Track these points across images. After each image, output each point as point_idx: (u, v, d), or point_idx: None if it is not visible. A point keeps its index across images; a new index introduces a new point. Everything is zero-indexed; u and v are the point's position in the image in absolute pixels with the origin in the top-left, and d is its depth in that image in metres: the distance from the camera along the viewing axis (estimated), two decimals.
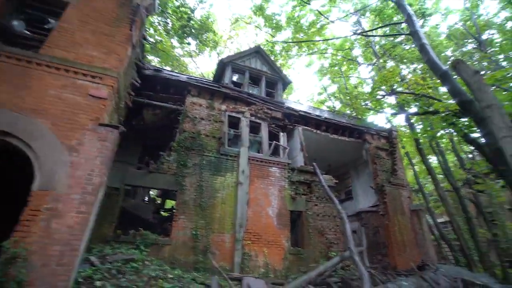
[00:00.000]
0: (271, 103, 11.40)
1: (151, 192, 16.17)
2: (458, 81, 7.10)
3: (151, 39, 18.70)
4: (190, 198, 8.42)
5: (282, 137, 11.18)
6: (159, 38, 18.12)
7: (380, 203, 11.52)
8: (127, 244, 7.14)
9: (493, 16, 23.07)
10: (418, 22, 18.10)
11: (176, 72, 10.78)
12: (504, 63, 16.43)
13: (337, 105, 22.99)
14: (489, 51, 18.14)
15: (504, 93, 8.83)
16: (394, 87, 12.89)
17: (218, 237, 8.28)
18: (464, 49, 20.89)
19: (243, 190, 9.00)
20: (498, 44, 19.08)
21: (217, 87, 10.63)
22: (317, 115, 12.23)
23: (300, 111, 11.90)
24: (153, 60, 20.83)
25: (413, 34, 8.48)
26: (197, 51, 19.65)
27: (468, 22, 20.40)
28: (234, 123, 10.56)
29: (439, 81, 8.07)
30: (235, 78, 13.28)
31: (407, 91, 11.50)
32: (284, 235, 8.99)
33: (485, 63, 16.90)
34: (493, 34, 20.27)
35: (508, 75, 8.63)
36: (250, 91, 11.48)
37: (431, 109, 10.79)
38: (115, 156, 8.04)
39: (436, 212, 20.59)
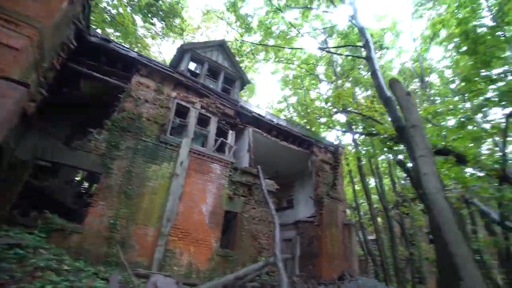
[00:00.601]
0: (225, 99, 11.00)
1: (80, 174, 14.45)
2: (399, 109, 7.54)
3: (113, 10, 17.14)
4: (116, 184, 7.54)
5: (231, 135, 10.81)
6: (121, 11, 16.66)
7: (317, 214, 11.74)
8: (24, 227, 6.03)
9: (437, 62, 25.91)
10: (375, 51, 19.34)
11: (127, 47, 9.81)
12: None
13: (295, 116, 23.49)
14: (429, 92, 20.23)
15: (429, 126, 9.69)
16: (348, 108, 13.48)
17: (140, 230, 7.51)
18: (411, 86, 23.08)
19: (178, 183, 8.36)
20: (437, 88, 21.45)
21: (170, 71, 9.91)
22: (269, 120, 12.14)
23: (254, 112, 11.70)
24: (112, 34, 19.08)
25: (368, 59, 8.83)
26: (161, 35, 18.50)
27: (417, 63, 22.53)
28: (182, 112, 9.91)
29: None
30: (193, 67, 12.63)
31: (356, 111, 12.03)
32: (215, 235, 8.53)
33: (425, 101, 18.68)
34: (434, 78, 22.74)
35: (438, 110, 9.49)
36: (206, 84, 10.95)
37: (374, 131, 11.43)
38: (32, 124, 6.87)
39: (368, 229, 21.97)
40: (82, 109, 10.13)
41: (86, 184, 13.45)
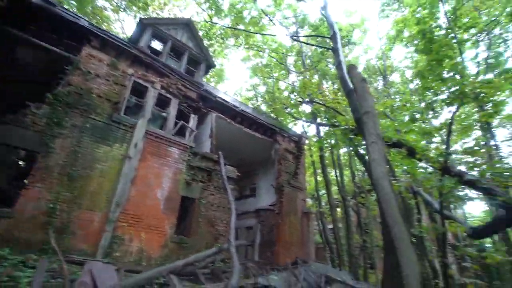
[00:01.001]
0: (188, 80, 10.46)
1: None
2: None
3: None
4: (57, 164, 6.80)
5: (193, 119, 10.36)
6: None
7: (277, 202, 11.85)
8: None
9: (399, 62, 27.29)
10: (343, 46, 19.71)
11: (76, 14, 8.79)
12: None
13: (263, 106, 23.41)
14: (390, 90, 21.29)
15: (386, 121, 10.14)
16: (313, 99, 13.62)
17: (85, 215, 6.91)
18: (375, 83, 24.13)
19: (131, 166, 7.81)
20: (397, 87, 22.65)
21: (127, 45, 9.12)
22: (234, 106, 11.85)
23: (218, 97, 11.32)
24: (67, 2, 17.15)
25: (334, 51, 8.84)
26: (123, 8, 17.06)
27: (381, 61, 23.49)
28: (139, 91, 9.22)
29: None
30: (154, 45, 11.80)
31: (321, 102, 12.19)
32: (170, 221, 8.18)
33: (385, 97, 19.58)
34: (396, 77, 23.97)
35: (395, 105, 9.94)
36: (168, 63, 10.30)
37: (336, 123, 11.70)
38: None
39: (328, 219, 22.93)
40: (20, 82, 8.99)
41: (24, 165, 12.15)
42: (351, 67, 5.23)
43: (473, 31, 12.11)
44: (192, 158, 9.40)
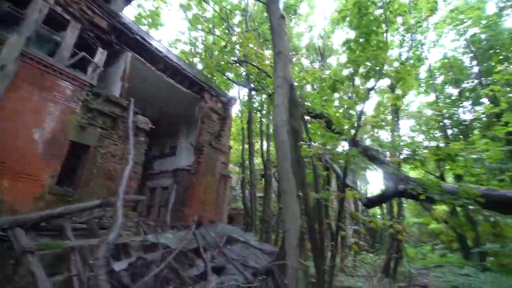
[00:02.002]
0: (97, 4, 8.38)
1: None
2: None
3: None
4: None
5: (101, 54, 8.49)
6: None
7: (195, 162, 11.13)
8: None
9: (338, 45, 28.25)
10: (289, 14, 18.93)
11: None
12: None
13: (200, 66, 21.60)
14: (326, 72, 21.95)
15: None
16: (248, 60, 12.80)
17: None
18: (314, 64, 24.59)
19: None
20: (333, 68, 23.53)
21: None
22: (157, 49, 10.22)
23: (137, 34, 9.51)
24: None
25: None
26: None
27: (322, 40, 23.83)
28: (19, 1, 6.92)
29: None
30: None
31: (253, 63, 11.48)
32: (51, 169, 6.67)
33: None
34: (333, 60, 24.82)
35: (323, 76, 9.93)
36: None
37: (266, 88, 11.25)
38: None
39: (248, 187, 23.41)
40: None
41: None
42: (270, 2, 4.57)
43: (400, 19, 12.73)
44: (92, 99, 7.75)
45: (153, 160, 14.34)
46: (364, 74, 7.38)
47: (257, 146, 19.53)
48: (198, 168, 10.93)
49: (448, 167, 6.52)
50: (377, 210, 25.67)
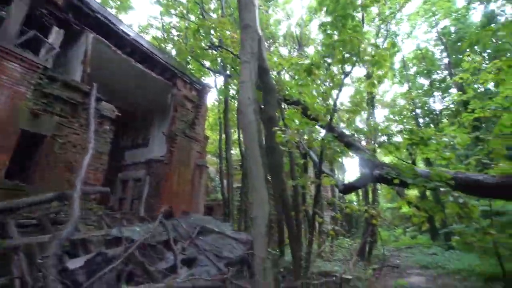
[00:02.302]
0: None
1: None
2: None
3: None
4: None
5: (56, 34, 7.66)
6: None
7: (168, 152, 10.60)
8: None
9: (316, 35, 28.12)
10: None
11: None
12: None
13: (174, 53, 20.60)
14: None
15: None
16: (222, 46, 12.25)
17: None
18: (293, 52, 24.31)
19: None
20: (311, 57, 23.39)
21: None
22: (123, 31, 9.43)
23: (98, 13, 8.67)
24: None
25: None
26: None
27: (299, 28, 23.53)
28: None
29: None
30: None
31: (228, 49, 10.98)
32: None
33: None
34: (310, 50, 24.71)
35: (300, 62, 9.70)
36: None
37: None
38: None
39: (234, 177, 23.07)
40: None
41: None
42: None
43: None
44: (46, 83, 6.98)
45: (125, 151, 13.57)
46: (340, 58, 7.21)
47: (235, 136, 19.15)
48: (171, 158, 10.41)
49: (420, 152, 6.59)
50: (353, 196, 26.36)
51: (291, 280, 6.84)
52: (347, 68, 7.79)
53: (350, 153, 8.80)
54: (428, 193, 17.43)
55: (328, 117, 7.56)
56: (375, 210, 7.10)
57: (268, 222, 2.87)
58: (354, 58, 7.12)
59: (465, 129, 9.49)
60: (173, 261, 5.20)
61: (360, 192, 20.63)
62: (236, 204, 17.26)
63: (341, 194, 21.12)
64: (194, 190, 10.97)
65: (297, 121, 9.41)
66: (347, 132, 9.73)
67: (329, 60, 8.19)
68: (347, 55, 7.55)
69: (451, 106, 17.54)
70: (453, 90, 19.39)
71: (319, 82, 8.97)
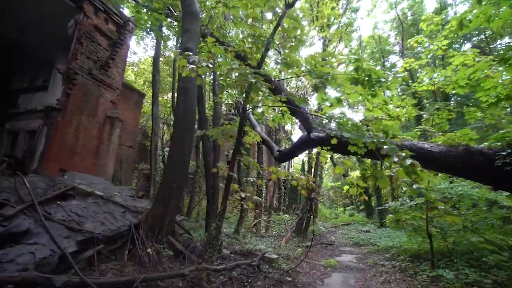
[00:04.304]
0: None
1: None
2: None
3: None
4: None
5: None
6: None
7: (64, 95, 7.89)
8: None
9: None
10: None
11: None
12: None
13: None
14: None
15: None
16: None
17: None
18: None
19: None
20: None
21: None
22: None
23: None
24: None
25: None
26: None
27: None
28: None
29: None
30: None
31: None
32: None
33: None
34: None
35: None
36: None
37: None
38: None
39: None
40: None
41: None
42: None
43: None
44: None
45: (19, 95, 10.33)
46: None
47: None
48: (66, 103, 7.74)
49: (367, 106, 5.24)
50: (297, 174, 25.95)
51: (194, 261, 5.17)
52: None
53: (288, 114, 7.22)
54: (368, 161, 17.36)
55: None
56: (312, 182, 5.65)
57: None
58: None
59: (413, 100, 8.52)
60: None
61: (305, 169, 19.94)
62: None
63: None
64: (102, 147, 8.50)
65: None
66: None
67: None
68: None
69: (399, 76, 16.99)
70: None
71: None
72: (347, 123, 3.95)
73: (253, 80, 3.71)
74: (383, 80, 3.82)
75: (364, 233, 15.00)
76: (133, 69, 18.72)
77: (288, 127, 22.30)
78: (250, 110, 8.29)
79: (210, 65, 4.21)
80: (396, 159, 3.42)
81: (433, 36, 8.34)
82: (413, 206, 8.73)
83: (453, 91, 5.26)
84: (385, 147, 3.47)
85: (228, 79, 4.91)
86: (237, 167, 11.70)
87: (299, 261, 7.47)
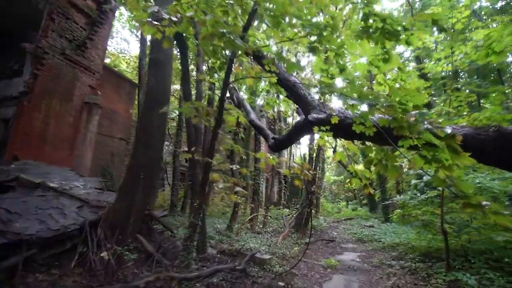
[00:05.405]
0: None
1: None
2: None
3: None
4: None
5: None
6: None
7: (31, 77, 6.97)
8: None
9: None
10: None
11: None
12: None
13: None
14: None
15: None
16: None
17: None
18: None
19: None
20: None
21: None
22: None
23: None
24: None
25: None
26: None
27: None
28: None
29: None
30: None
31: None
32: None
33: None
34: None
35: None
36: None
37: None
38: None
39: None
40: None
41: None
42: None
43: None
44: None
45: None
46: None
47: None
48: (33, 85, 6.82)
49: (378, 77, 4.24)
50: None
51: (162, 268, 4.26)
52: None
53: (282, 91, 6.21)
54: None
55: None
56: (303, 169, 4.68)
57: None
58: None
59: (427, 83, 7.48)
60: None
61: (307, 160, 18.94)
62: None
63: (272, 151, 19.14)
64: (78, 136, 7.61)
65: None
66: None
67: None
68: None
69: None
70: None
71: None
72: (354, 89, 2.91)
73: (224, 30, 2.71)
74: (401, 30, 2.77)
75: (367, 228, 14.01)
76: (124, 56, 17.72)
77: (290, 120, 21.23)
78: (234, 85, 7.25)
79: (175, 19, 3.22)
80: (427, 126, 2.38)
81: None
82: (424, 200, 7.77)
83: (487, 59, 4.18)
84: (412, 112, 2.44)
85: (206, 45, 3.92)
86: (230, 157, 10.78)
87: (295, 261, 6.54)
